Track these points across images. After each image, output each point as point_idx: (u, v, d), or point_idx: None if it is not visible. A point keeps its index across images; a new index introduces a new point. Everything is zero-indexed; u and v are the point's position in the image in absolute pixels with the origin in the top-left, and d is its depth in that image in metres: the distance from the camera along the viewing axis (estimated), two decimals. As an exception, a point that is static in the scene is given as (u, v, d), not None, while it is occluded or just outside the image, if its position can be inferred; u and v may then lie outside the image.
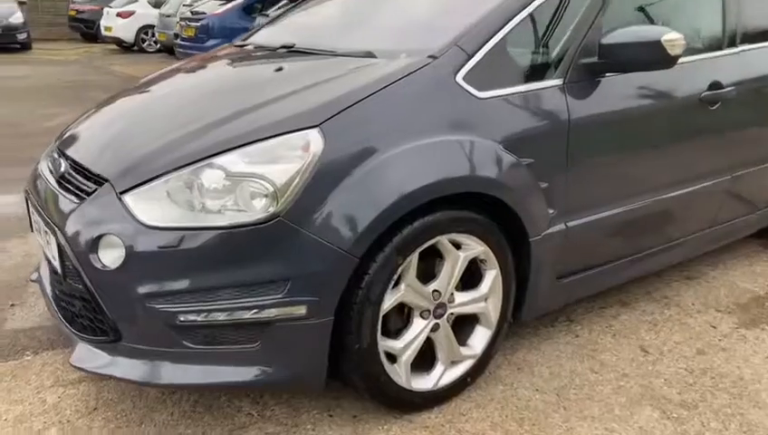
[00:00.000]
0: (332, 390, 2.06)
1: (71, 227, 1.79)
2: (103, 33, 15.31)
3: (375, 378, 1.88)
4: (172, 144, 1.81)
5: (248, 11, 10.00)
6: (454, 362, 2.06)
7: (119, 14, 14.92)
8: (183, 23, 10.38)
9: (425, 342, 1.98)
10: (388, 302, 1.83)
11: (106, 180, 1.81)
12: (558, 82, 2.09)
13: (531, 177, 2.02)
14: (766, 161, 2.87)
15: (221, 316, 1.70)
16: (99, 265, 1.72)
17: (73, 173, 1.97)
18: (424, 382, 2.00)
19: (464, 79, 1.91)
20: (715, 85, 2.50)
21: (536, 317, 2.41)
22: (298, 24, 2.88)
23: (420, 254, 1.88)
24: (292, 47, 2.43)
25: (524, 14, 2.03)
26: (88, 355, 1.85)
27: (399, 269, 1.82)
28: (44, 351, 2.36)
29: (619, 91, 2.23)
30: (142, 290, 1.69)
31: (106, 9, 15.19)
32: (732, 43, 2.65)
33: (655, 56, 2.08)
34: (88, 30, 17.04)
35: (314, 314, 1.71)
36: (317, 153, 1.70)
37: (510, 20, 2.01)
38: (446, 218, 1.88)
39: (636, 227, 2.47)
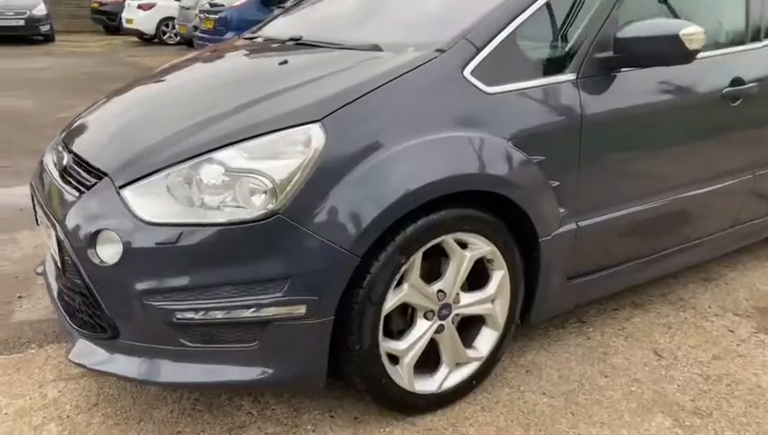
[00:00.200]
0: (335, 389, 2.03)
1: (69, 222, 1.77)
2: (125, 24, 15.40)
3: (376, 380, 1.83)
4: (172, 138, 1.78)
5: (266, 3, 9.96)
6: (459, 365, 2.01)
7: (140, 7, 14.99)
8: (202, 15, 10.38)
9: (429, 343, 1.93)
10: (391, 302, 1.79)
11: (105, 174, 1.78)
12: (571, 76, 2.02)
13: (541, 175, 1.96)
14: (791, 160, 2.78)
15: (219, 315, 1.66)
16: (97, 261, 1.70)
17: (75, 167, 1.95)
18: (427, 385, 1.96)
19: (472, 73, 1.85)
20: (738, 81, 2.41)
21: (546, 319, 2.36)
22: (308, 17, 2.84)
23: (425, 253, 1.83)
24: (299, 40, 2.38)
25: (536, 6, 1.97)
26: (87, 351, 1.83)
27: (402, 269, 1.77)
28: (49, 344, 2.35)
29: (636, 87, 2.15)
30: (139, 287, 1.66)
31: (128, 1, 15.27)
32: (756, 38, 2.55)
33: (673, 51, 2.00)
34: (110, 22, 17.15)
35: (314, 313, 1.67)
36: (318, 149, 1.66)
37: (521, 13, 1.94)
38: (452, 217, 1.82)
39: (651, 227, 2.39)
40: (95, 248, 1.70)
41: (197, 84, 2.27)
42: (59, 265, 1.89)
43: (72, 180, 1.90)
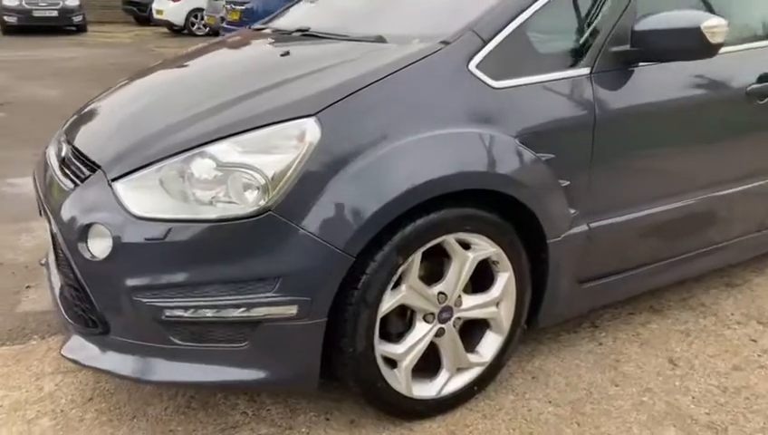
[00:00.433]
0: (332, 391, 1.97)
1: (62, 214, 1.74)
2: (155, 15, 15.54)
3: (371, 383, 1.77)
4: (166, 131, 1.73)
5: (292, -6, 9.94)
6: (460, 370, 1.94)
7: (170, -2, 15.11)
8: (228, 6, 10.39)
9: (429, 346, 1.86)
10: (387, 304, 1.72)
11: (99, 167, 1.75)
12: (584, 71, 1.92)
13: (550, 174, 1.87)
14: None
15: (209, 313, 1.62)
16: (87, 255, 1.66)
17: (73, 158, 1.92)
18: (426, 389, 1.89)
19: (477, 67, 1.77)
20: (765, 78, 2.28)
21: (555, 324, 2.27)
22: (319, 7, 2.78)
23: (426, 253, 1.76)
24: (306, 31, 2.32)
25: (548, -4, 1.87)
26: (79, 346, 1.80)
27: (400, 269, 1.71)
28: (51, 336, 2.34)
29: (654, 83, 2.04)
30: (129, 283, 1.62)
31: (158, -8, 15.42)
32: (786, 32, 2.41)
33: (694, 44, 1.89)
34: (141, 13, 17.32)
35: (306, 314, 1.62)
36: (313, 144, 1.60)
37: (531, 4, 1.85)
38: (453, 217, 1.75)
39: (671, 229, 2.28)
40: (86, 242, 1.67)
41: (197, 76, 2.22)
42: (54, 257, 1.86)
43: (68, 172, 1.87)
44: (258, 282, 1.60)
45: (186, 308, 1.62)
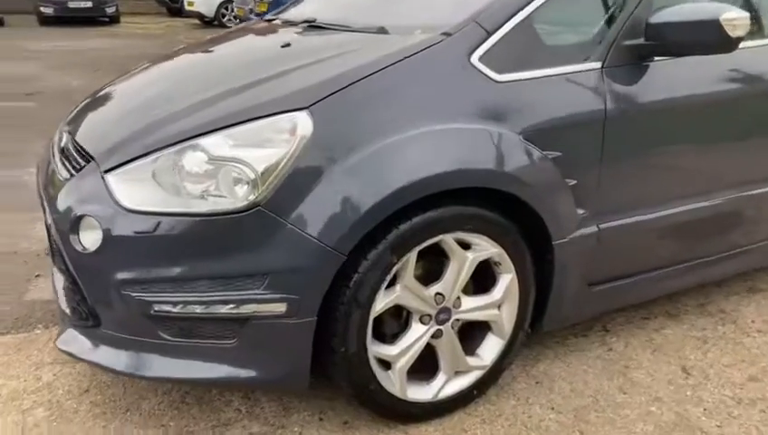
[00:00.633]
0: (327, 390, 1.93)
1: (56, 205, 1.73)
2: (186, 7, 15.69)
3: (364, 385, 1.72)
4: (160, 123, 1.70)
5: (320, -14, 9.89)
6: (459, 373, 1.88)
7: (201, -11, 15.22)
8: (257, -2, 10.42)
9: (427, 348, 1.81)
10: (381, 304, 1.67)
11: (93, 158, 1.73)
12: (595, 65, 1.84)
13: (557, 172, 1.79)
14: None
15: (197, 309, 1.58)
16: (79, 247, 1.65)
17: (71, 149, 1.90)
18: (423, 392, 1.83)
19: (480, 59, 1.70)
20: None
21: (562, 328, 2.20)
22: (331, -2, 2.72)
23: (425, 253, 1.71)
24: (313, 22, 2.27)
25: (557, -14, 1.79)
26: (73, 339, 1.79)
27: (394, 269, 1.65)
28: (55, 326, 2.34)
29: (670, 78, 1.94)
30: (118, 276, 1.60)
31: (190, -16, 15.55)
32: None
33: (713, 38, 1.78)
34: (173, 4, 17.52)
35: (295, 312, 1.57)
36: (305, 137, 1.55)
37: (540, -7, 1.77)
38: (452, 215, 1.68)
39: (689, 231, 2.18)
40: (78, 234, 1.65)
41: (198, 68, 2.20)
42: (50, 248, 1.86)
43: (66, 162, 1.86)
44: (247, 278, 1.56)
45: (174, 303, 1.59)
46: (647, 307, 2.51)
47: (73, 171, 1.77)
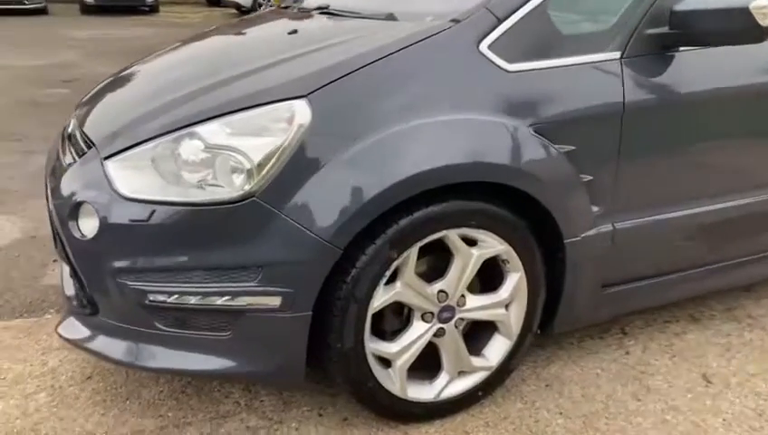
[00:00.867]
0: (329, 385, 1.89)
1: (57, 191, 1.72)
2: (224, -4, 15.82)
3: (361, 383, 1.68)
4: (160, 110, 1.68)
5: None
6: (463, 373, 1.82)
7: (238, -21, 15.33)
8: (291, -13, 10.42)
9: (430, 347, 1.75)
10: (380, 300, 1.62)
11: (94, 144, 1.71)
12: (614, 55, 1.74)
13: (570, 168, 1.71)
14: None
15: (192, 300, 1.55)
16: (77, 234, 1.63)
17: (77, 136, 1.89)
18: (424, 392, 1.78)
19: (489, 48, 1.63)
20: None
21: (575, 330, 2.11)
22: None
23: (431, 248, 1.65)
24: (326, 9, 2.22)
25: (574, -29, 1.70)
26: (73, 326, 1.78)
27: (394, 265, 1.60)
28: (66, 311, 2.36)
29: (695, 70, 1.84)
30: (115, 264, 1.58)
31: (227, -26, 15.67)
32: None
33: (742, 27, 1.67)
34: (211, -6, 17.69)
35: (289, 306, 1.53)
36: (303, 126, 1.50)
37: (555, -21, 1.68)
38: (456, 210, 1.62)
39: (713, 233, 2.07)
40: (77, 221, 1.64)
41: (206, 55, 2.17)
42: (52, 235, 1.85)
43: (71, 149, 1.85)
44: (241, 270, 1.53)
45: (169, 294, 1.56)
46: (669, 310, 2.40)
47: (77, 157, 1.76)
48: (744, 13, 1.65)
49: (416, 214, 1.57)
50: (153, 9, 15.76)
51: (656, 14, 1.75)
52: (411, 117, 1.55)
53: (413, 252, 1.61)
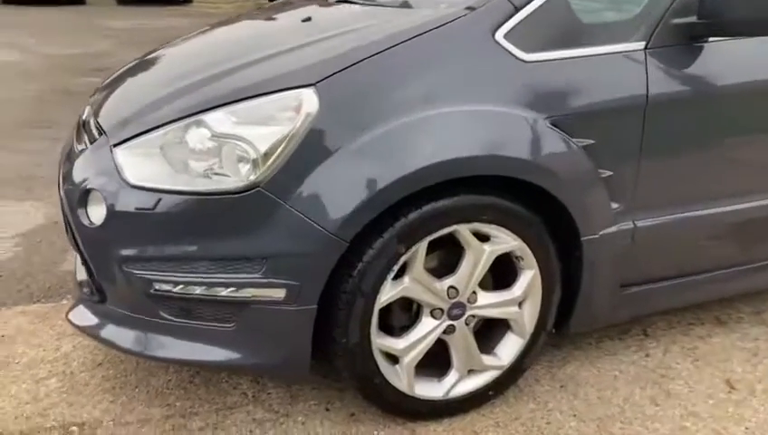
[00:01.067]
0: (338, 379, 1.86)
1: (68, 178, 1.72)
2: (257, -13, 15.87)
3: (368, 378, 1.65)
4: (169, 97, 1.66)
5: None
6: (473, 372, 1.77)
7: (272, -30, 15.36)
8: (323, -22, 10.41)
9: (440, 344, 1.71)
10: (387, 295, 1.58)
11: (104, 132, 1.71)
12: (637, 46, 1.67)
13: (588, 162, 1.65)
14: None
15: (197, 290, 1.54)
16: (86, 221, 1.63)
17: (90, 123, 1.89)
18: (433, 390, 1.74)
19: (505, 37, 1.57)
20: None
21: (592, 330, 2.05)
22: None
23: (442, 243, 1.60)
24: (345, -4, 2.18)
25: (597, -43, 1.63)
26: (82, 313, 1.78)
27: (402, 259, 1.56)
28: (83, 297, 2.38)
29: (725, 62, 1.76)
30: (121, 252, 1.58)
31: (261, -36, 15.70)
32: None
33: (776, 16, 1.59)
34: (245, -15, 17.74)
35: (294, 299, 1.51)
36: (311, 116, 1.47)
37: (576, -35, 1.62)
38: (467, 205, 1.57)
39: (740, 232, 1.99)
40: (86, 208, 1.64)
41: (218, 44, 2.15)
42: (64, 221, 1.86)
43: (84, 136, 1.85)
44: (246, 262, 1.50)
45: (175, 283, 1.55)
46: (693, 312, 2.31)
47: (88, 144, 1.76)
48: (778, 2, 1.56)
49: (425, 208, 1.53)
50: (187, 0, 15.90)
51: (683, 2, 1.67)
52: (422, 107, 1.51)
53: (422, 246, 1.57)
